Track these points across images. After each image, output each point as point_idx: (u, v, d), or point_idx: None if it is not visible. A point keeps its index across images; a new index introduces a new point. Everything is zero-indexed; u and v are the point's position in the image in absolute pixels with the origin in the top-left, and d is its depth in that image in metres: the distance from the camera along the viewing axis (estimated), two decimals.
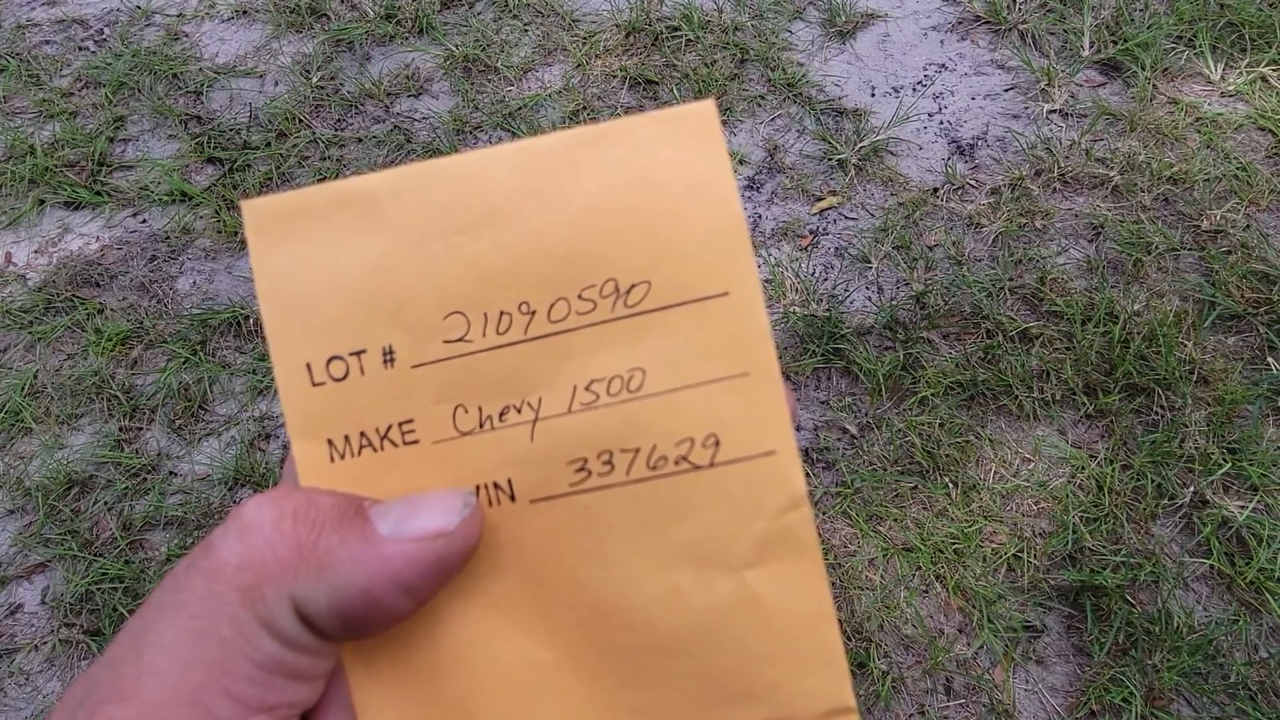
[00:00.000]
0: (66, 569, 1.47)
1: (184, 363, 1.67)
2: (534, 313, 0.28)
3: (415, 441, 0.28)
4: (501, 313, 0.28)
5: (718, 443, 0.28)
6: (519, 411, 0.28)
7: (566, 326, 0.28)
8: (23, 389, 1.65)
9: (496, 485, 0.28)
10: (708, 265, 0.28)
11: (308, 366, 0.28)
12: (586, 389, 0.28)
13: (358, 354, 0.28)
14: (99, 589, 1.44)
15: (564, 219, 0.28)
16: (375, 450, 0.28)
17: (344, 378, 0.28)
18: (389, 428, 0.28)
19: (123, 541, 1.48)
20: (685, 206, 0.28)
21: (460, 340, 0.28)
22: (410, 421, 0.28)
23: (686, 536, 0.28)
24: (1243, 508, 1.35)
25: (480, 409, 0.28)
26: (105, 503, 1.53)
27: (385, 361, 0.28)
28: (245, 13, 2.24)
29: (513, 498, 0.28)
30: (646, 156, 0.28)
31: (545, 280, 0.28)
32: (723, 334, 0.28)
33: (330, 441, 0.28)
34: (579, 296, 0.28)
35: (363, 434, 0.28)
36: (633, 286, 0.28)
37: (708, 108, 0.28)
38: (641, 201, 0.28)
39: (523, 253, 0.28)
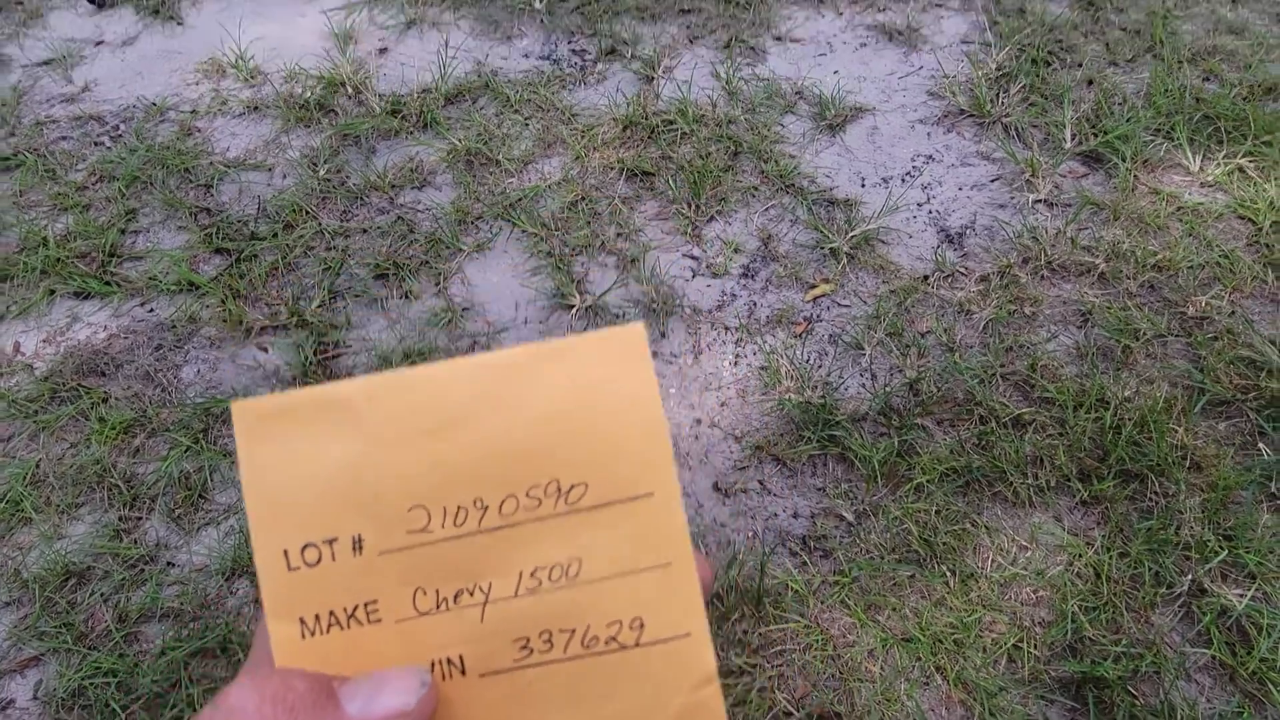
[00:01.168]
0: (60, 662, 1.46)
1: (185, 451, 1.68)
2: (487, 508, 0.32)
3: (379, 620, 0.32)
4: (459, 507, 0.32)
5: (642, 625, 0.32)
6: (471, 595, 0.32)
7: (515, 520, 0.32)
8: (25, 478, 1.66)
9: (449, 660, 0.32)
10: (635, 469, 0.32)
11: (284, 553, 0.32)
12: (531, 575, 0.32)
13: (330, 542, 0.32)
14: (91, 683, 1.43)
15: (516, 424, 0.32)
16: (342, 629, 0.32)
17: (317, 563, 0.32)
18: (355, 608, 0.32)
19: (118, 634, 1.48)
20: (616, 417, 0.32)
21: (422, 530, 0.32)
22: (375, 602, 0.32)
23: (615, 710, 0.32)
24: (1241, 595, 1.35)
25: (438, 591, 0.32)
26: (101, 594, 1.53)
27: (355, 549, 0.32)
28: (256, 108, 2.33)
29: (464, 672, 0.32)
30: (585, 373, 0.32)
31: (499, 478, 0.32)
32: (647, 529, 0.32)
33: (302, 620, 0.32)
34: (526, 494, 0.32)
35: (331, 613, 0.32)
36: (573, 487, 0.32)
37: (636, 330, 0.32)
38: (580, 411, 0.32)
39: (480, 452, 0.32)
